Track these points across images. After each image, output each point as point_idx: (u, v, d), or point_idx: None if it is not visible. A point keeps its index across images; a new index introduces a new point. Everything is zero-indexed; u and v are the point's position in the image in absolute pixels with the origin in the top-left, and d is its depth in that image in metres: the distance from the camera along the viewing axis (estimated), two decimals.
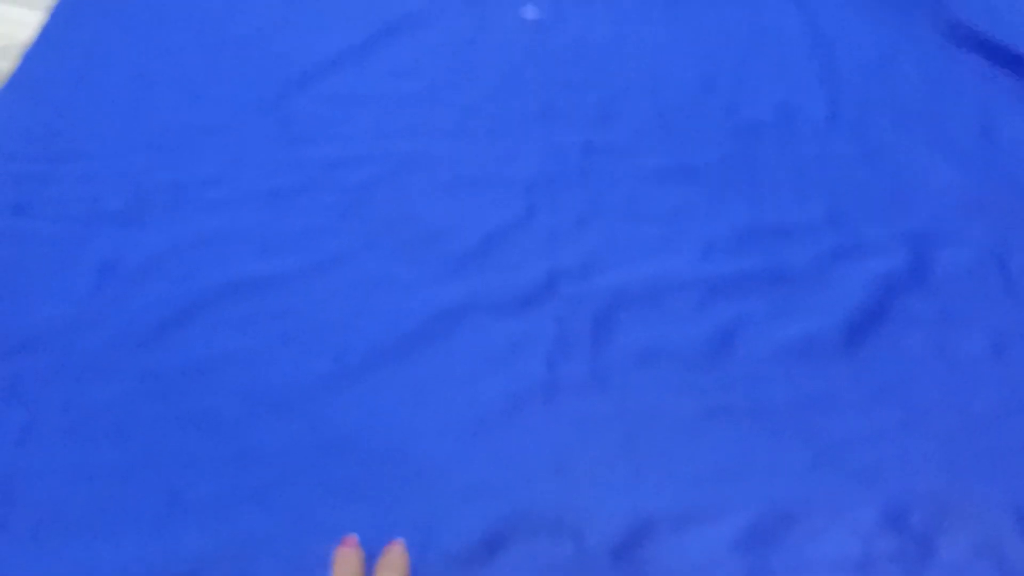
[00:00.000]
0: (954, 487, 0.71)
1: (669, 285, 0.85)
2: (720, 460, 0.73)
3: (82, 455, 0.71)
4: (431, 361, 0.79)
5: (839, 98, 1.05)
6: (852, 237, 0.91)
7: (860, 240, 0.90)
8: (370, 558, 0.58)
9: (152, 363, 0.78)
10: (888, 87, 1.07)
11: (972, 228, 0.92)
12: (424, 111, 1.03)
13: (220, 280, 0.84)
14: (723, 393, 0.78)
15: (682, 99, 1.05)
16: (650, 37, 1.13)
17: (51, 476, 0.69)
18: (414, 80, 1.07)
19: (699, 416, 0.76)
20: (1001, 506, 0.70)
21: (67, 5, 1.14)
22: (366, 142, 0.99)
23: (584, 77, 1.08)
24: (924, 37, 1.12)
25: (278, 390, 0.77)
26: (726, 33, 1.13)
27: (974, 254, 0.89)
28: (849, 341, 0.82)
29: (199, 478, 0.70)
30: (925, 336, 0.82)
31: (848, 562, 0.66)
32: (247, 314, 0.82)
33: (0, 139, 0.96)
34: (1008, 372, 0.79)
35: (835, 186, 0.95)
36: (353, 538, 0.59)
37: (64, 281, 0.83)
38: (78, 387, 0.76)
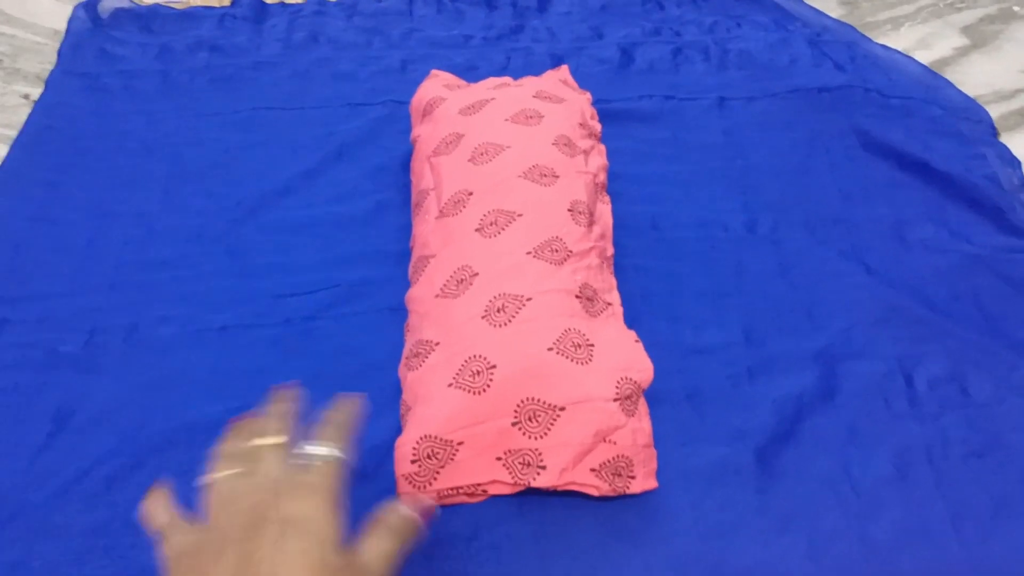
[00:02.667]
0: None
1: None
2: None
3: None
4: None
5: (756, 210, 1.10)
6: (764, 355, 0.95)
7: (772, 358, 0.94)
8: None
9: (100, 520, 0.82)
10: (804, 194, 1.12)
11: (881, 340, 0.96)
12: (365, 235, 1.08)
13: (168, 428, 0.88)
14: (627, 518, 0.82)
15: None
16: None
17: None
18: (355, 203, 1.12)
19: (604, 538, 0.80)
20: None
21: (27, 137, 1.20)
22: (310, 272, 1.04)
23: None
24: (837, 144, 1.17)
25: None
26: (651, 150, 1.18)
27: (881, 368, 0.93)
28: (760, 464, 0.86)
29: None
30: (832, 458, 0.87)
31: None
32: (195, 462, 0.86)
33: None
34: (909, 495, 0.84)
35: (751, 304, 1.00)
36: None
37: (18, 434, 0.88)
38: (26, 546, 0.80)
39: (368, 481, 0.86)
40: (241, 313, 1.00)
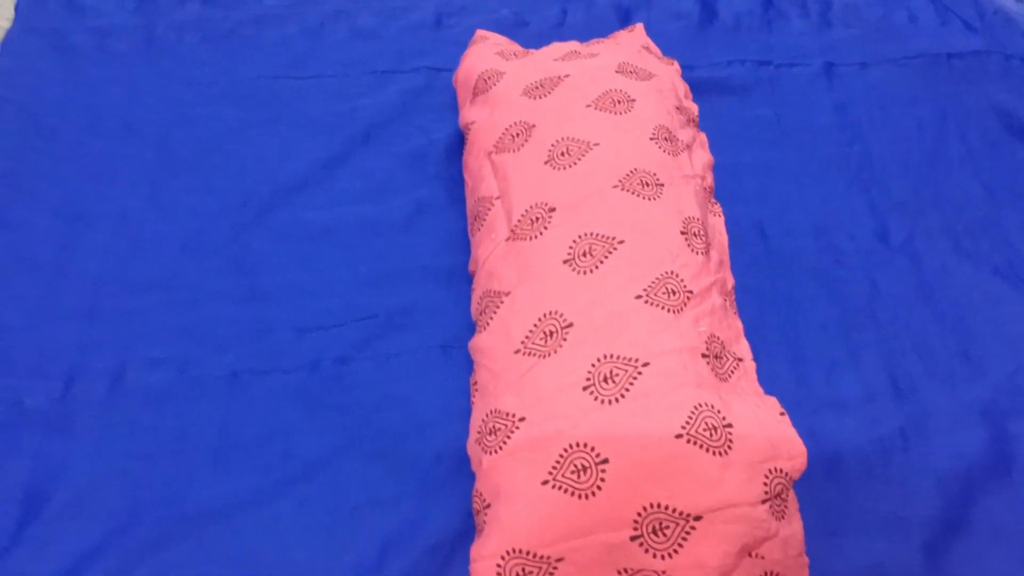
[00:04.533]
0: None
1: None
2: None
3: None
4: None
5: (885, 212, 0.88)
6: (918, 410, 0.75)
7: (927, 414, 0.75)
8: None
9: None
10: (940, 192, 0.90)
11: None
12: (403, 245, 0.86)
13: (162, 516, 0.69)
14: None
15: None
16: None
17: None
18: (389, 201, 0.90)
19: None
20: None
21: None
22: (338, 295, 0.83)
23: None
24: (975, 126, 0.95)
25: None
26: (747, 132, 0.95)
27: None
28: (929, 565, 0.67)
29: None
30: (1016, 553, 0.68)
31: None
32: (193, 561, 0.67)
33: None
34: None
35: (893, 339, 0.79)
36: None
37: None
38: None
39: None
40: (254, 352, 0.79)
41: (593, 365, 0.63)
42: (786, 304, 0.83)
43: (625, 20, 1.08)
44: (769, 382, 0.72)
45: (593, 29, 1.04)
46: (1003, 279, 0.85)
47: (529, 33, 1.05)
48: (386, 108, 0.99)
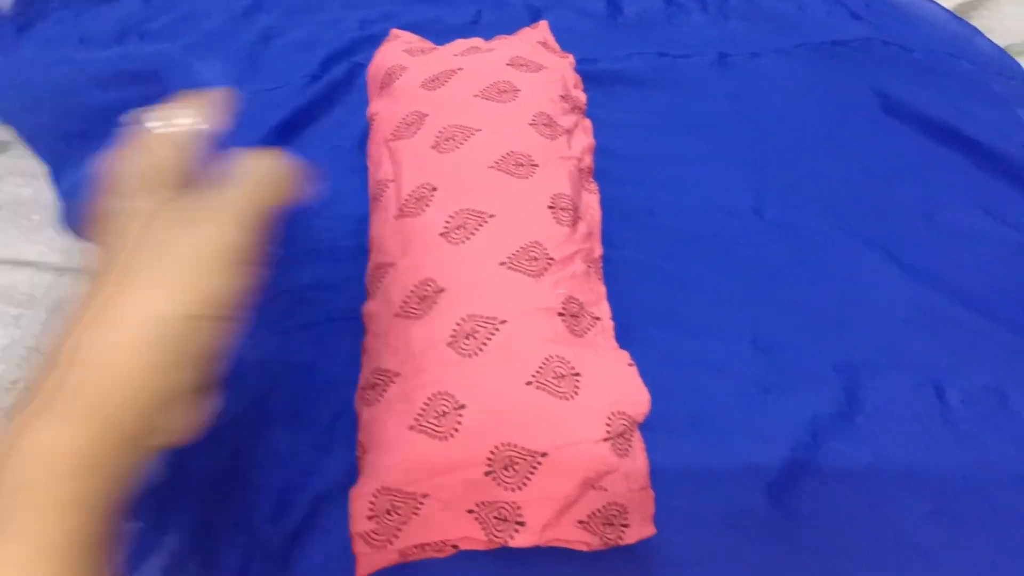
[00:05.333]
0: None
1: None
2: None
3: None
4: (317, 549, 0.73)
5: (767, 191, 0.96)
6: (778, 367, 0.82)
7: (787, 371, 0.82)
8: None
9: None
10: (821, 171, 0.97)
11: (910, 347, 0.84)
12: (319, 228, 0.94)
13: None
14: (622, 572, 0.70)
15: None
16: None
17: None
18: None
19: None
20: None
21: None
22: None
23: None
24: (856, 109, 1.02)
25: None
26: (643, 120, 1.03)
27: (910, 380, 0.81)
28: (774, 504, 0.74)
29: None
30: (859, 493, 0.75)
31: None
32: None
33: None
34: (948, 536, 0.72)
35: (764, 304, 0.86)
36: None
37: None
38: None
39: (323, 534, 0.74)
40: None
41: (458, 324, 0.70)
42: (668, 275, 0.90)
43: (536, 18, 1.15)
44: (648, 345, 0.79)
45: (506, 28, 1.11)
46: (873, 249, 0.92)
47: (441, 30, 1.13)
48: (313, 107, 1.07)
